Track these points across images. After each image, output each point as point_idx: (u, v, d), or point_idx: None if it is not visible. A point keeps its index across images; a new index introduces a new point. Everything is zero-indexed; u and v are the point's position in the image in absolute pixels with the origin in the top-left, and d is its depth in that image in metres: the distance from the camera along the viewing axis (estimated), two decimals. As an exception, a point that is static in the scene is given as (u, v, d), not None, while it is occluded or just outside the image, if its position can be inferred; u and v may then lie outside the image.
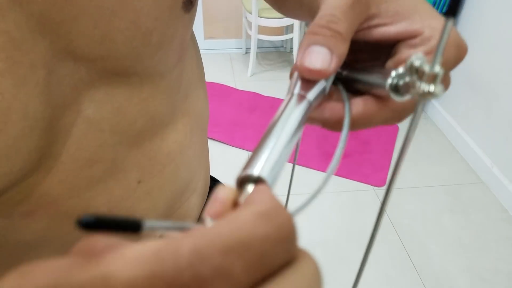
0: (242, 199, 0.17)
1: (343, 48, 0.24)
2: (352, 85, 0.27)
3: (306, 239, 1.73)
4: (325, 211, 1.87)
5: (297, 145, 0.25)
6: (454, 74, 1.79)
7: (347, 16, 0.24)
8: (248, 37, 3.02)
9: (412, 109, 0.26)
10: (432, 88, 0.18)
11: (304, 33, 0.25)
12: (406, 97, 0.22)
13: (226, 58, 3.18)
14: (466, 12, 2.19)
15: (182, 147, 0.42)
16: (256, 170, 0.18)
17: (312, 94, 0.24)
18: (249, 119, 2.43)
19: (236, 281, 0.13)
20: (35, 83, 0.26)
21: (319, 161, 2.12)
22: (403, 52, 0.26)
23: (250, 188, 0.18)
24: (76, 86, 0.29)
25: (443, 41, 0.17)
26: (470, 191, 2.01)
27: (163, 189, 0.41)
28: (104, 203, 0.36)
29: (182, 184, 0.44)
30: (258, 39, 2.81)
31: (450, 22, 0.17)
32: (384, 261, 1.67)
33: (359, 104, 0.26)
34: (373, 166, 2.12)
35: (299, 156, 2.14)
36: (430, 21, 0.26)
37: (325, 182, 0.19)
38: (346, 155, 2.16)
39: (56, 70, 0.27)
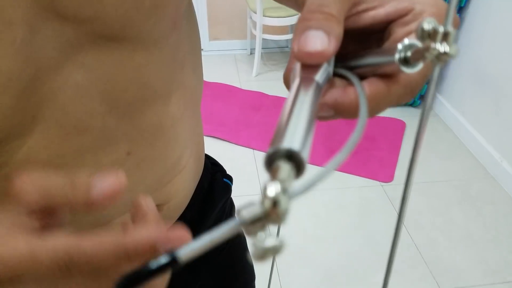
0: (276, 175, 0.17)
1: (338, 30, 0.23)
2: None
3: (312, 235, 1.72)
4: (331, 207, 1.86)
5: None
6: (461, 69, 1.79)
7: None
8: (253, 37, 3.03)
9: (422, 81, 0.25)
10: (447, 48, 0.18)
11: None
12: (419, 66, 0.22)
13: (231, 59, 3.19)
14: (473, 7, 2.18)
15: (174, 121, 0.41)
16: (287, 143, 0.18)
17: (319, 76, 0.23)
18: (255, 118, 2.43)
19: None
20: (11, 40, 0.25)
21: (325, 158, 2.11)
22: (398, 31, 0.25)
23: (283, 164, 0.17)
24: (63, 49, 0.28)
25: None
26: (479, 185, 1.99)
27: (153, 163, 0.41)
28: (91, 174, 0.37)
29: (173, 159, 0.44)
30: (263, 39, 2.81)
31: None
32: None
33: (366, 86, 0.25)
34: (380, 162, 2.11)
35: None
36: None
37: (332, 166, 0.18)
38: (352, 153, 2.14)
39: (40, 30, 0.26)
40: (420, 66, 0.22)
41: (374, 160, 2.12)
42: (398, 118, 2.45)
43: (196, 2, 2.91)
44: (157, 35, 0.34)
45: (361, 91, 0.23)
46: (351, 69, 0.26)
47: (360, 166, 2.08)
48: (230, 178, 0.67)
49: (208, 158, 0.63)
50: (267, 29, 2.85)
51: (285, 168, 0.17)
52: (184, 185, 0.48)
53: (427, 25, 0.19)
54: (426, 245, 1.70)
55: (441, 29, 0.18)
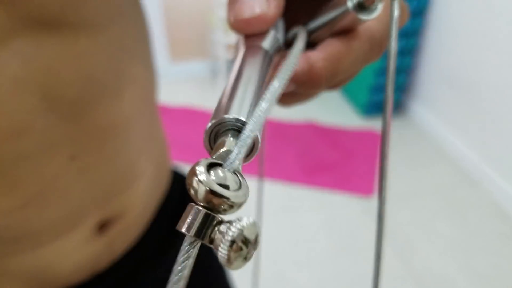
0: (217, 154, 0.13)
1: None
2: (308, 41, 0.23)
3: (293, 261, 1.59)
4: (312, 229, 1.74)
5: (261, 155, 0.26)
6: (435, 73, 1.76)
7: None
8: (216, 58, 2.92)
9: (385, 30, 0.23)
10: None
11: None
12: (378, 9, 0.20)
13: (193, 81, 3.06)
14: (437, 9, 2.15)
15: (128, 121, 0.37)
16: (234, 114, 0.14)
17: (267, 43, 0.21)
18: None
19: None
20: None
21: (300, 175, 2.00)
22: None
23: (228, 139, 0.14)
24: None
25: None
26: (462, 191, 1.94)
27: (101, 169, 0.36)
28: (34, 184, 0.31)
29: (125, 165, 0.39)
30: (227, 59, 2.72)
31: None
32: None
33: (323, 48, 0.22)
34: (358, 176, 2.02)
35: (278, 171, 2.02)
36: None
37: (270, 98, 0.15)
38: (329, 168, 2.05)
39: None
40: (379, 8, 0.20)
41: (352, 174, 2.04)
42: (371, 129, 2.38)
43: (153, 20, 2.79)
44: (101, 19, 0.31)
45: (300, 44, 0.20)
46: (311, 33, 0.24)
47: (338, 182, 1.98)
48: None
49: (178, 168, 0.56)
50: (230, 48, 2.76)
51: (231, 142, 0.14)
52: (142, 197, 0.43)
53: None
54: (412, 259, 1.61)
55: None
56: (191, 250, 0.13)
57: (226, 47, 2.69)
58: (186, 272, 0.13)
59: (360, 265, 1.58)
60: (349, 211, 1.83)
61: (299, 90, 0.22)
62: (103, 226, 0.40)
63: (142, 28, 0.40)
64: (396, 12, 0.18)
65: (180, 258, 0.13)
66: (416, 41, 2.26)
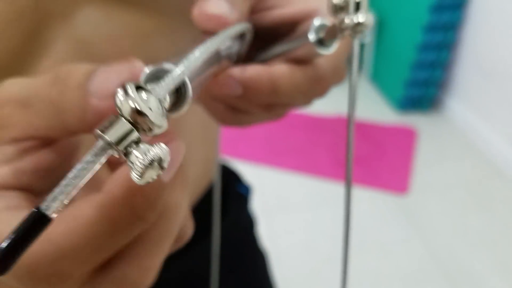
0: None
1: (242, 4, 0.23)
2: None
3: (323, 256, 1.59)
4: (341, 222, 1.73)
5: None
6: (473, 68, 1.70)
7: None
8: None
9: (331, 70, 0.25)
10: (361, 17, 0.19)
11: None
12: (333, 46, 0.22)
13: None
14: (477, 2, 2.09)
15: None
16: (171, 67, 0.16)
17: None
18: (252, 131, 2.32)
19: (74, 279, 0.16)
20: None
21: (331, 168, 2.00)
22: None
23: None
24: None
25: None
26: (493, 186, 1.89)
27: None
28: None
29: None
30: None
31: None
32: (411, 267, 1.55)
33: (279, 65, 0.24)
34: (392, 172, 1.99)
35: (309, 164, 2.02)
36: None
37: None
38: (360, 161, 2.03)
39: None
40: (334, 46, 0.22)
41: (384, 170, 2.01)
42: (406, 124, 2.34)
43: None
44: (170, 3, 0.32)
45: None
46: (265, 61, 0.26)
47: (370, 177, 1.96)
48: (246, 188, 0.56)
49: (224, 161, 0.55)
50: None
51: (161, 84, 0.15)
52: (189, 184, 0.43)
53: None
54: (443, 253, 1.59)
55: (352, 0, 0.19)
56: (101, 154, 0.13)
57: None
58: (87, 175, 0.13)
59: (387, 262, 1.57)
60: (380, 207, 1.82)
61: (241, 101, 0.25)
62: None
63: None
64: (356, 49, 0.20)
65: (88, 157, 0.13)
66: (454, 35, 2.20)
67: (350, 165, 0.21)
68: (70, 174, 0.13)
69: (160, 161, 0.13)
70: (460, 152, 2.14)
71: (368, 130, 2.30)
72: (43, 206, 0.13)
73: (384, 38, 2.62)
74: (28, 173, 0.18)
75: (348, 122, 0.22)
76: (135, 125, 0.13)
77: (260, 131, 2.30)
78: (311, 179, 1.97)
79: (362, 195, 1.87)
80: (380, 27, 2.62)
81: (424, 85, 2.34)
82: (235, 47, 0.24)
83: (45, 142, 0.18)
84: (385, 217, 1.76)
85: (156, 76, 0.16)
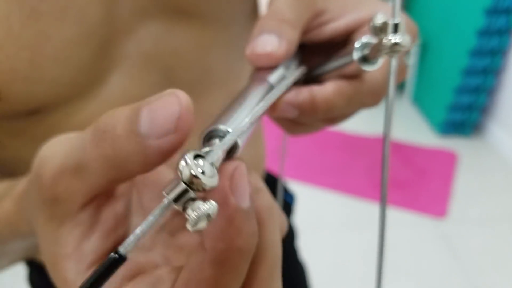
0: (205, 149, 0.17)
1: (291, 33, 0.24)
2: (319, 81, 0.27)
3: (357, 278, 1.58)
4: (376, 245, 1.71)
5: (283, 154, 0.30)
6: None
7: (292, 6, 0.25)
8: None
9: (384, 80, 0.26)
10: (398, 38, 0.20)
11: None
12: (379, 63, 0.24)
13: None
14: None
15: None
16: (223, 127, 0.19)
17: (272, 77, 0.24)
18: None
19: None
20: None
21: (367, 190, 1.99)
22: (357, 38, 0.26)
23: (217, 142, 0.18)
24: (137, 14, 0.29)
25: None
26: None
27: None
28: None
29: None
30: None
31: None
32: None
33: (331, 85, 0.25)
34: (431, 196, 1.96)
35: (346, 184, 2.02)
36: (376, 7, 0.27)
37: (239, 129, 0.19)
38: (399, 183, 2.01)
39: None
40: (379, 62, 0.24)
41: (424, 194, 1.98)
42: (448, 148, 2.30)
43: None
44: (226, 16, 0.34)
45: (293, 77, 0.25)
46: (316, 77, 0.28)
47: (408, 200, 1.94)
48: (291, 196, 0.58)
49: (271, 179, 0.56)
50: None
51: (215, 143, 0.18)
52: None
53: (378, 21, 0.21)
54: (483, 286, 1.53)
55: (390, 22, 0.20)
56: (166, 210, 0.16)
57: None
58: (153, 227, 0.15)
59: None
60: (418, 231, 1.78)
61: (300, 118, 0.26)
62: None
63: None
64: (393, 67, 0.22)
65: (156, 211, 0.15)
66: (501, 60, 2.16)
67: (385, 185, 0.23)
68: (143, 224, 0.15)
69: (208, 216, 0.15)
70: (503, 181, 2.08)
71: (409, 153, 2.27)
72: (121, 249, 0.15)
73: (428, 60, 2.59)
74: (111, 228, 0.19)
75: (384, 141, 0.24)
76: (191, 186, 0.15)
77: (298, 148, 2.32)
78: (348, 198, 1.97)
79: (400, 218, 1.85)
80: (424, 49, 2.61)
81: (467, 109, 2.30)
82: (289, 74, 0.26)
83: (110, 191, 0.20)
84: (422, 242, 1.73)
85: (211, 136, 0.19)
